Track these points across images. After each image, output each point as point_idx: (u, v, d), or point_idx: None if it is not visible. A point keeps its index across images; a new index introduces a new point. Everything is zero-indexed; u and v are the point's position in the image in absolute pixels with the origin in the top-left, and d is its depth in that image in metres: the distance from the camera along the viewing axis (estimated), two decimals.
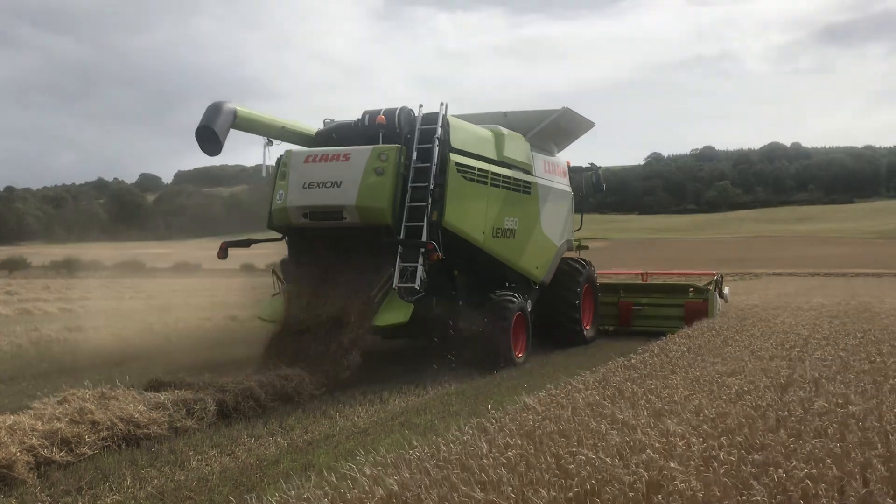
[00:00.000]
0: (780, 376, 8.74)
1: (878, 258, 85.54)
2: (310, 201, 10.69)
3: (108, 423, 6.80)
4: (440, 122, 10.81)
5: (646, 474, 4.70)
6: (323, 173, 10.63)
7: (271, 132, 11.17)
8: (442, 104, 11.02)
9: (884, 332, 13.79)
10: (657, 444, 5.46)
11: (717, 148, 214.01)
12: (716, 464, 5.00)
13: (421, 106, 11.16)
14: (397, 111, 11.07)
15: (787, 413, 6.66)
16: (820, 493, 4.48)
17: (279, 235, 11.65)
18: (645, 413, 6.60)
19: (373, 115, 11.21)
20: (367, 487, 4.63)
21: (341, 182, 10.47)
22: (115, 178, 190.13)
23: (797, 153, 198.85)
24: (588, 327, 15.01)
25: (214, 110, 10.11)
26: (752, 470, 4.92)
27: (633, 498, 4.39)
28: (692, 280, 18.25)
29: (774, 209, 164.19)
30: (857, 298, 26.39)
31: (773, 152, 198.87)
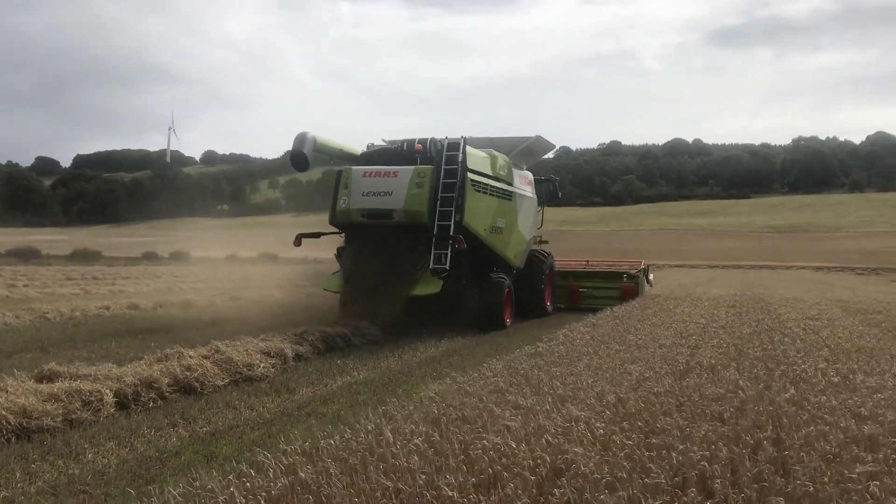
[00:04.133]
0: (678, 363, 9.04)
1: (772, 251, 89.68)
2: (368, 205, 14.24)
3: None
4: (461, 149, 14.51)
5: (549, 458, 4.79)
6: (378, 185, 14.21)
7: (333, 152, 15.20)
8: (462, 137, 14.90)
9: (776, 322, 14.46)
10: (560, 429, 5.56)
11: (623, 143, 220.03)
12: (616, 448, 5.13)
13: (446, 137, 14.95)
14: (428, 141, 14.91)
15: (684, 398, 6.89)
16: (715, 473, 4.66)
17: (332, 230, 15.27)
18: (549, 399, 6.71)
19: (410, 143, 15.12)
20: (272, 477, 4.56)
21: (392, 192, 14.08)
22: (9, 161, 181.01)
23: (699, 150, 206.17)
24: (549, 303, 19.15)
25: (302, 138, 14.01)
26: (651, 453, 5.07)
27: (535, 482, 4.46)
28: (625, 268, 22.31)
29: (676, 203, 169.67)
30: (752, 289, 27.57)
31: (675, 148, 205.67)
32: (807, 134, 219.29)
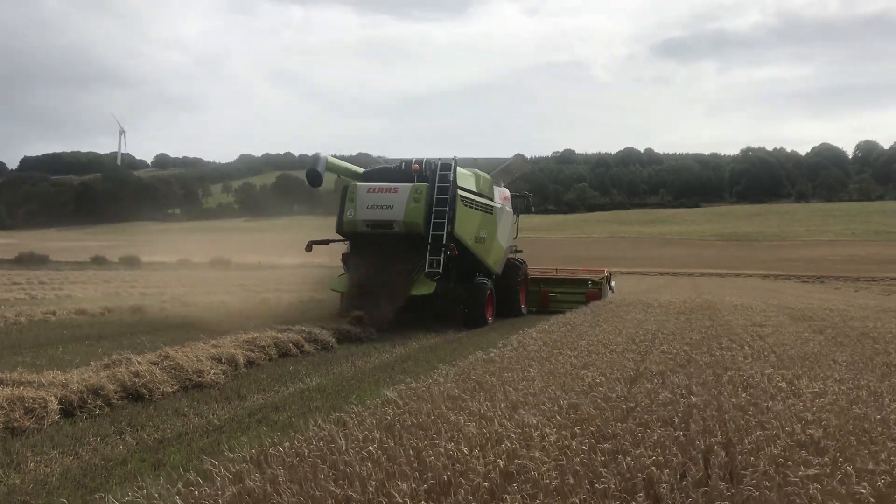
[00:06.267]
0: (629, 369, 9.14)
1: (721, 259, 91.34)
2: (371, 217, 16.18)
3: None
4: (452, 169, 16.57)
5: (501, 464, 4.79)
6: (380, 199, 16.18)
7: (340, 170, 17.05)
8: (453, 158, 16.94)
9: (724, 328, 14.71)
10: (513, 435, 5.58)
11: (577, 151, 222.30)
12: (569, 453, 5.16)
13: (439, 159, 16.92)
14: (423, 161, 16.89)
15: (634, 404, 6.97)
16: (663, 478, 4.71)
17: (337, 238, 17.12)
18: (502, 405, 6.73)
19: (408, 163, 17.11)
20: (219, 485, 4.49)
21: (393, 205, 16.06)
22: None
23: (650, 159, 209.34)
24: (524, 306, 21.25)
25: (316, 158, 16.02)
26: (603, 458, 5.11)
27: (488, 488, 4.46)
28: (590, 276, 25.03)
29: (628, 211, 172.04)
30: (701, 296, 28.02)
31: (628, 157, 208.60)
32: (755, 144, 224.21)
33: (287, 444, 5.49)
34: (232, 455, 5.20)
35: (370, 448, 5.19)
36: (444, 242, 15.93)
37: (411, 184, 16.35)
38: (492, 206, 19.02)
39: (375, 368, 10.95)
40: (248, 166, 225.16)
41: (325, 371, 10.51)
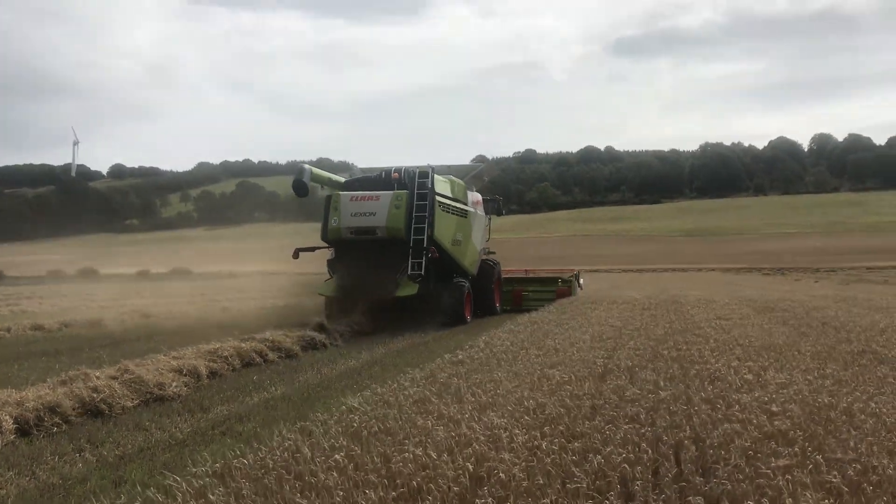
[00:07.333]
0: (596, 366, 9.12)
1: (683, 254, 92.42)
2: (355, 224, 16.96)
3: None
4: (430, 177, 17.53)
5: (471, 468, 4.71)
6: (363, 207, 17.00)
7: (324, 181, 17.61)
8: (430, 166, 18.15)
9: (689, 322, 14.81)
10: (482, 438, 5.51)
11: (538, 151, 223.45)
12: (539, 453, 5.10)
13: (418, 167, 17.80)
14: (402, 170, 17.74)
15: (603, 401, 6.93)
16: (636, 475, 4.67)
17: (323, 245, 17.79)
18: (470, 407, 6.66)
19: (388, 171, 17.96)
20: (181, 501, 4.34)
21: (375, 212, 16.86)
22: None
23: (611, 156, 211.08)
24: (498, 304, 21.99)
25: (301, 170, 16.73)
26: (574, 457, 5.05)
27: (458, 493, 4.38)
28: (560, 275, 26.35)
29: (590, 209, 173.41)
30: (666, 292, 28.25)
31: (588, 155, 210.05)
32: (713, 139, 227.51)
33: (251, 456, 5.35)
34: (195, 470, 5.05)
35: (337, 457, 5.08)
36: (424, 246, 16.79)
37: (392, 192, 17.15)
38: (466, 211, 20.05)
39: (341, 375, 10.80)
40: (206, 174, 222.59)
41: (290, 380, 10.34)
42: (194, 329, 15.35)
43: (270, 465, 5.02)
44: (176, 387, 9.30)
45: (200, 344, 11.85)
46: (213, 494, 4.38)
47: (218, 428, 7.59)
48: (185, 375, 9.82)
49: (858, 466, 4.76)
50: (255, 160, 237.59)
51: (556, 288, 24.83)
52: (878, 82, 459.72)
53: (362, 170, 19.82)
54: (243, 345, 12.01)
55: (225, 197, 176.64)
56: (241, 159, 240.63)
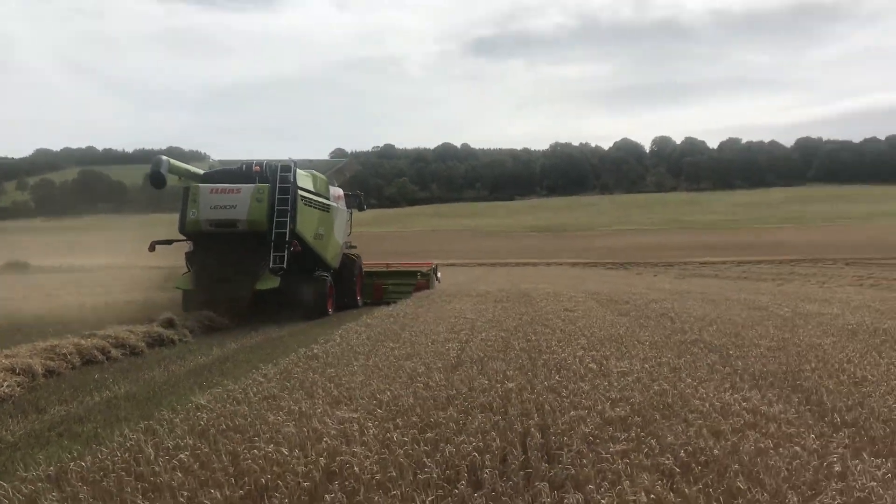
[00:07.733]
0: (450, 357, 9.27)
1: (534, 249, 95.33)
2: (215, 216, 16.74)
3: None
4: (293, 171, 17.57)
5: (323, 463, 4.68)
6: (223, 200, 16.79)
7: (182, 172, 17.18)
8: (292, 160, 18.53)
9: (538, 314, 15.30)
10: (333, 432, 5.48)
11: (397, 146, 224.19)
12: (391, 445, 5.13)
13: (280, 161, 17.99)
14: (264, 163, 17.72)
15: (455, 392, 7.06)
16: (485, 463, 4.78)
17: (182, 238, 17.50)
18: (322, 402, 6.61)
19: (249, 164, 17.90)
20: None
21: (236, 205, 16.74)
22: None
23: (467, 154, 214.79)
24: (360, 297, 22.37)
25: (159, 161, 16.27)
26: (426, 448, 5.12)
27: (308, 488, 4.34)
28: (418, 268, 26.93)
29: (447, 205, 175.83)
30: (517, 285, 29.04)
31: (445, 152, 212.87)
32: (562, 139, 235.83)
33: (90, 458, 5.09)
34: (26, 475, 4.75)
35: (182, 456, 4.92)
36: (286, 239, 16.89)
37: (254, 184, 17.10)
38: (328, 205, 20.24)
39: (190, 372, 10.43)
40: (45, 161, 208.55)
41: (135, 378, 9.88)
42: (30, 326, 14.40)
43: (110, 467, 4.80)
44: (8, 387, 8.69)
45: (37, 341, 11.14)
46: (46, 500, 4.13)
47: (55, 429, 7.14)
48: (19, 375, 9.21)
49: (689, 448, 5.09)
50: (100, 147, 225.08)
51: (416, 281, 25.44)
52: (712, 90, 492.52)
53: (221, 162, 19.68)
54: (84, 342, 11.38)
55: (66, 186, 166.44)
56: (84, 146, 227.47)
